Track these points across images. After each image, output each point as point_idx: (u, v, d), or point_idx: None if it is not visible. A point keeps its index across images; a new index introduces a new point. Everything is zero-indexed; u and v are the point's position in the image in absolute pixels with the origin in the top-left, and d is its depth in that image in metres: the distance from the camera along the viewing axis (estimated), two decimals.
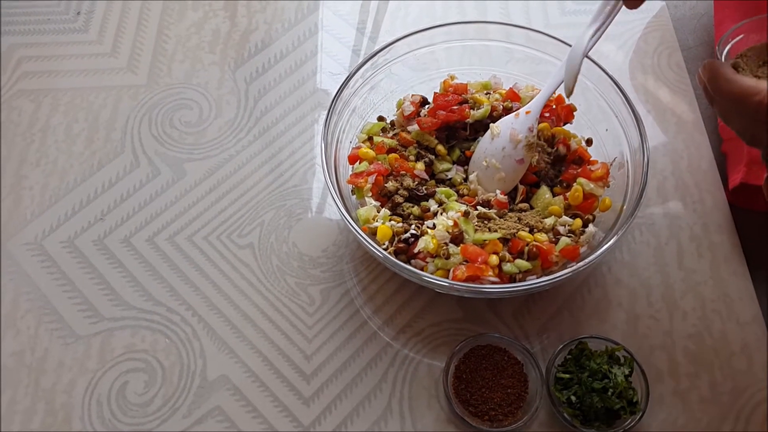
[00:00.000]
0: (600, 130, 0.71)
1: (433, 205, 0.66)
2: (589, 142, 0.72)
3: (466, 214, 0.63)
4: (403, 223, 0.65)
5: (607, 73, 0.68)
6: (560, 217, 0.65)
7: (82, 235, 0.72)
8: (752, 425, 0.61)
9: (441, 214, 0.65)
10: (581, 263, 0.59)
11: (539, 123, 0.68)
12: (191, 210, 0.74)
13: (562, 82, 0.65)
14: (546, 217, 0.65)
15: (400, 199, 0.66)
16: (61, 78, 0.83)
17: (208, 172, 0.76)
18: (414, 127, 0.70)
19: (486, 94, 0.73)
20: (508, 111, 0.70)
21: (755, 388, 0.63)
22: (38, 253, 0.71)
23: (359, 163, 0.69)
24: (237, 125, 0.79)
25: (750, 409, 0.62)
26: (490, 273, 0.60)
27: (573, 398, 0.59)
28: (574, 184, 0.66)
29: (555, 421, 0.61)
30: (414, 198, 0.67)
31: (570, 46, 0.66)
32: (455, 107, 0.70)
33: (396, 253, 0.63)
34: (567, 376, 0.60)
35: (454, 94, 0.71)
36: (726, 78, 0.48)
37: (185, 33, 0.86)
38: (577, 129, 0.72)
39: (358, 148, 0.69)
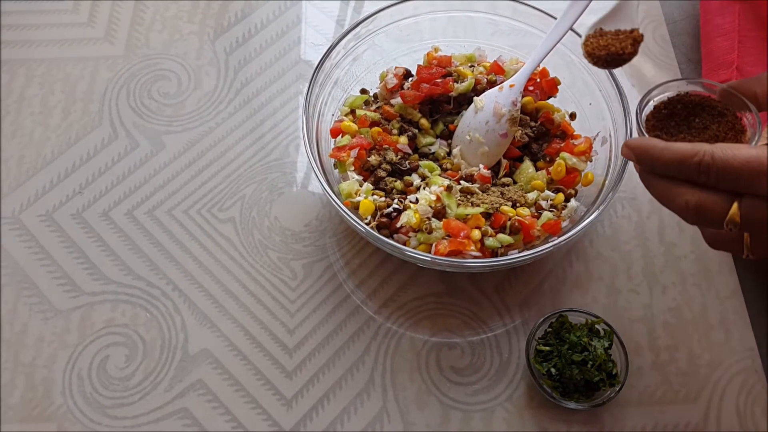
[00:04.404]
0: (584, 104, 0.71)
1: (416, 180, 0.66)
2: (572, 116, 0.71)
3: (449, 188, 0.63)
4: (385, 197, 0.65)
5: None
6: (543, 191, 0.65)
7: (61, 208, 0.71)
8: (728, 396, 0.62)
9: (424, 188, 0.65)
10: (563, 238, 0.59)
11: (523, 96, 0.68)
12: (171, 183, 0.73)
13: (546, 55, 0.65)
14: (529, 192, 0.65)
15: (382, 174, 0.66)
16: (36, 48, 0.81)
17: (188, 145, 0.75)
18: (397, 101, 0.70)
19: (470, 66, 0.72)
20: (492, 84, 0.70)
21: (732, 360, 0.64)
22: (16, 227, 0.70)
23: (341, 136, 0.68)
24: (217, 97, 0.78)
25: (726, 381, 0.63)
26: (472, 247, 0.60)
27: (553, 370, 0.60)
28: (557, 158, 0.66)
29: (535, 393, 0.62)
30: (397, 172, 0.67)
31: (555, 18, 0.66)
32: (439, 80, 0.69)
33: (378, 228, 0.63)
34: (547, 348, 0.61)
35: (438, 67, 0.70)
36: (659, 147, 0.44)
37: (163, 2, 0.84)
38: (560, 103, 0.71)
39: (341, 121, 0.69)
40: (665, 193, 0.45)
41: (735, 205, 0.42)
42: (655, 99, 0.51)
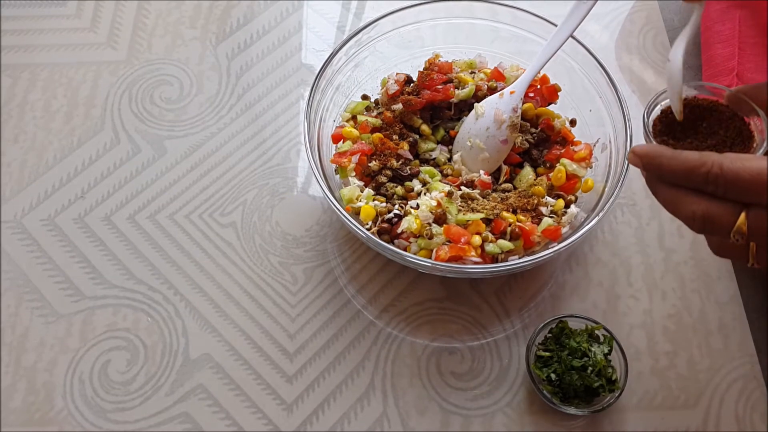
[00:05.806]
0: (584, 110, 0.71)
1: (416, 185, 0.66)
2: (572, 122, 0.72)
3: (449, 194, 0.63)
4: (386, 203, 0.65)
5: (591, 54, 0.68)
6: (543, 197, 0.65)
7: (63, 213, 0.71)
8: (727, 401, 0.62)
9: (424, 194, 0.65)
10: (563, 244, 0.59)
11: (523, 103, 0.68)
12: (172, 188, 0.73)
13: (547, 62, 0.65)
14: (529, 198, 0.66)
15: (383, 179, 0.66)
16: (39, 53, 0.81)
17: (190, 150, 0.75)
18: (398, 107, 0.70)
19: (471, 73, 0.72)
20: (492, 91, 0.70)
21: (731, 366, 0.64)
22: (18, 232, 0.70)
23: (343, 142, 0.68)
24: (219, 102, 0.78)
25: (725, 387, 0.63)
26: (473, 253, 0.60)
27: (553, 376, 0.60)
28: (557, 164, 0.67)
29: (535, 399, 0.62)
30: (398, 178, 0.67)
31: (556, 26, 0.66)
32: (440, 86, 0.69)
33: (379, 233, 0.63)
34: (547, 354, 0.61)
35: (439, 73, 0.70)
36: (667, 156, 0.44)
37: (166, 7, 0.85)
38: (561, 109, 0.72)
39: (342, 127, 0.69)
40: (672, 202, 0.46)
41: (743, 216, 0.42)
42: (663, 103, 0.51)
